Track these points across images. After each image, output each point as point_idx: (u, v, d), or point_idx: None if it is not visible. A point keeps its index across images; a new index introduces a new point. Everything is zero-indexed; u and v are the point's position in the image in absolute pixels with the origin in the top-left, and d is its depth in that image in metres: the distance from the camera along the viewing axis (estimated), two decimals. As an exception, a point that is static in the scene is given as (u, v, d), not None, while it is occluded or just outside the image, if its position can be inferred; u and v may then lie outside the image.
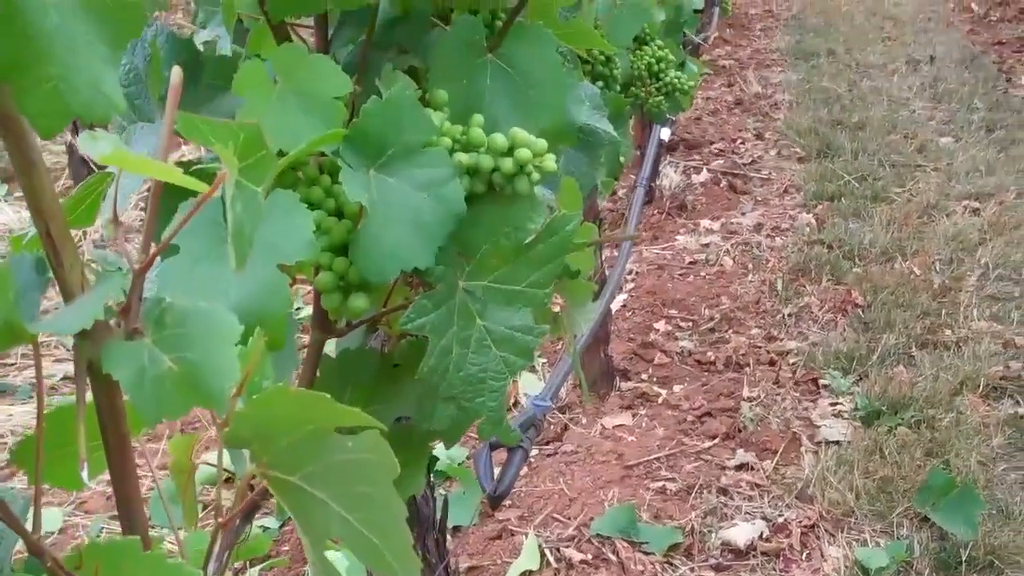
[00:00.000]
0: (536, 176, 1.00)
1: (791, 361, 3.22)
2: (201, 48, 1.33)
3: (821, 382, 3.10)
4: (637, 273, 3.88)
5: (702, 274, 3.85)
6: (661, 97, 2.55)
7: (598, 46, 1.32)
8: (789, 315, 3.50)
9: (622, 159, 2.15)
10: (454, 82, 1.14)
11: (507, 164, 0.99)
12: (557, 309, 1.34)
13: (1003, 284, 3.67)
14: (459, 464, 2.64)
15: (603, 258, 3.62)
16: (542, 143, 1.01)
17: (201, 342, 0.59)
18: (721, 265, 3.91)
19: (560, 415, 2.97)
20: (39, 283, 0.60)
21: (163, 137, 0.56)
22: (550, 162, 1.01)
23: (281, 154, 0.90)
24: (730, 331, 3.42)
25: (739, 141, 5.29)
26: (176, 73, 0.60)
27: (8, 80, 0.49)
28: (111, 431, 0.64)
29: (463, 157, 0.99)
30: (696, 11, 3.20)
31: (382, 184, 0.93)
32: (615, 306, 3.53)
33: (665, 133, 4.37)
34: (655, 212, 4.41)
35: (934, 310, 3.47)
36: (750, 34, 7.62)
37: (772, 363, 3.21)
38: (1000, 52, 6.95)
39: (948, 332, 3.34)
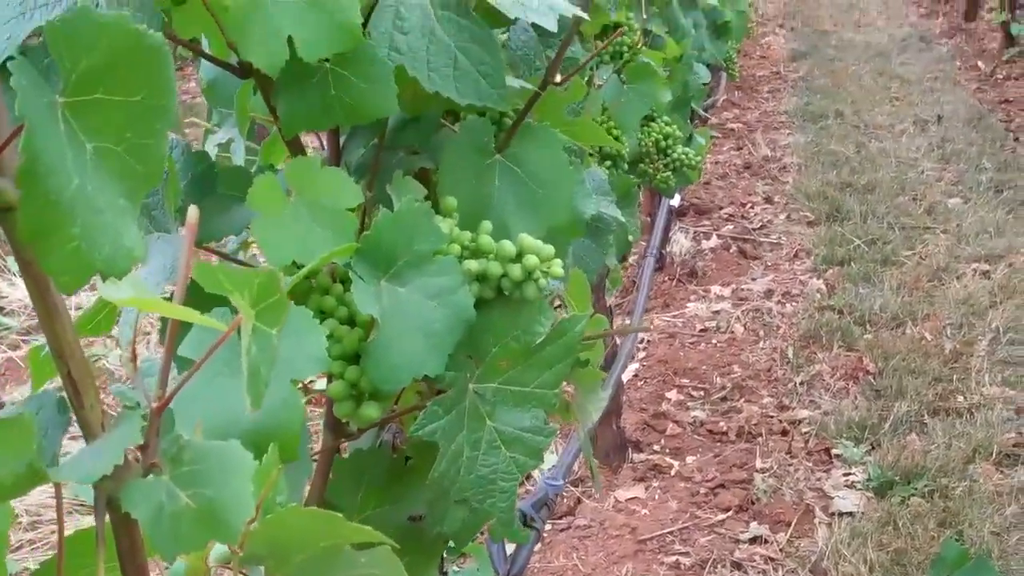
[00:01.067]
0: (544, 282, 1.01)
1: (803, 430, 3.22)
2: (216, 150, 1.36)
3: (834, 452, 3.10)
4: (648, 341, 3.89)
5: (713, 341, 3.87)
6: (669, 173, 2.58)
7: (604, 143, 1.34)
8: (801, 383, 3.51)
9: (631, 238, 2.18)
10: (463, 183, 1.16)
11: (515, 271, 1.01)
12: (567, 396, 1.36)
13: (1014, 348, 3.67)
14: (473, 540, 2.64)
15: (614, 327, 3.64)
16: (549, 249, 1.03)
17: (217, 478, 0.61)
18: (732, 332, 3.92)
19: (573, 488, 2.97)
20: (61, 423, 0.62)
21: (179, 285, 0.58)
22: (557, 268, 1.03)
23: (295, 265, 0.93)
24: (742, 400, 3.42)
25: (749, 205, 5.32)
26: (192, 213, 0.62)
27: (33, 244, 0.51)
28: (129, 562, 0.65)
29: (472, 264, 1.01)
30: (703, 84, 3.23)
31: (393, 294, 0.95)
32: (627, 376, 3.53)
33: (675, 200, 4.40)
34: (666, 279, 4.43)
35: (946, 376, 3.48)
36: (758, 96, 7.68)
37: (784, 433, 3.22)
38: (1007, 111, 6.99)
39: (960, 398, 3.35)
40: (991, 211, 4.98)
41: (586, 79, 1.74)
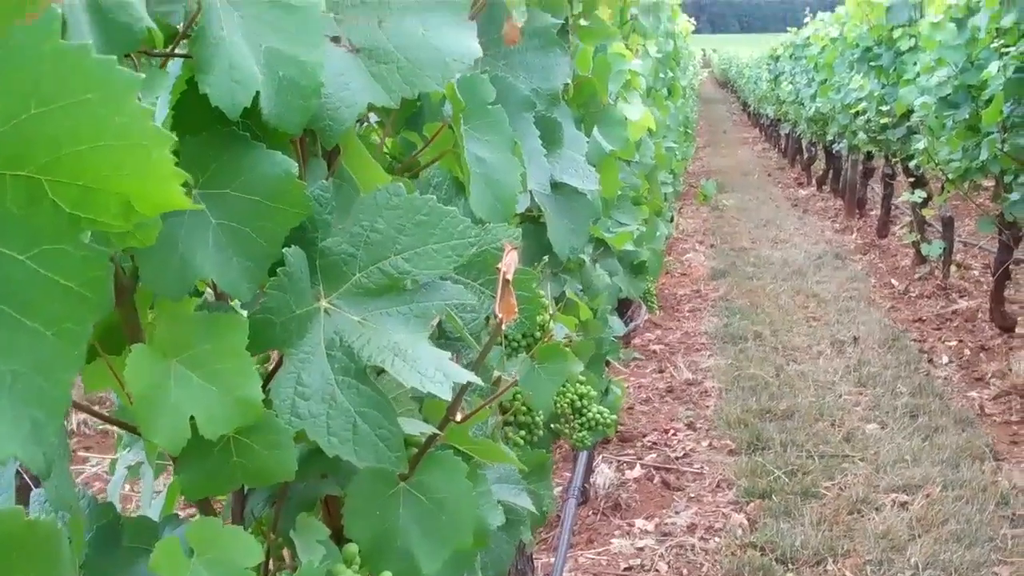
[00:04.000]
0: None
1: None
2: (125, 472, 1.38)
3: None
4: (573, 583, 3.87)
5: (637, 582, 3.86)
6: (585, 432, 2.62)
7: (505, 461, 1.38)
8: (724, 627, 3.50)
9: (545, 510, 2.20)
10: (368, 514, 1.19)
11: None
12: None
13: (934, 586, 3.70)
14: None
15: (539, 566, 3.63)
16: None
17: None
18: (656, 571, 3.91)
19: None
20: None
21: None
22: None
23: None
24: (666, 646, 3.40)
25: (671, 432, 5.38)
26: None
27: None
28: None
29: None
30: (616, 337, 3.32)
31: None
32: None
33: (597, 434, 4.44)
34: (590, 512, 4.44)
35: (867, 618, 3.49)
36: (679, 315, 7.85)
37: None
38: (921, 330, 7.20)
39: (882, 643, 3.35)
40: (907, 438, 5.08)
41: (493, 380, 1.79)
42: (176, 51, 0.89)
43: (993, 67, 5.59)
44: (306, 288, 1.00)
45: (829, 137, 12.18)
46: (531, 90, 1.88)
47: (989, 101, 5.75)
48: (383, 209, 1.04)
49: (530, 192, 1.92)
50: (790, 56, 15.87)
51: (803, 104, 13.79)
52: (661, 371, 6.47)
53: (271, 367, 1.12)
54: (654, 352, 6.87)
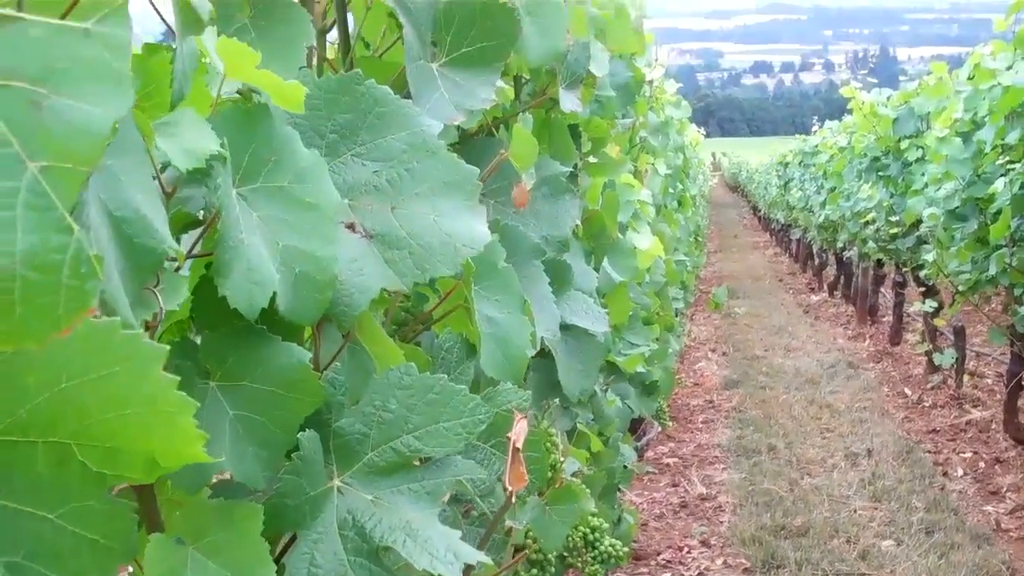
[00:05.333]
0: None
1: None
2: None
3: None
4: None
5: None
6: (597, 566, 2.62)
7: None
8: None
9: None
10: None
11: None
12: None
13: None
14: None
15: None
16: None
17: None
18: None
19: None
20: None
21: None
22: None
23: None
24: None
25: (685, 550, 5.34)
26: None
27: None
28: None
29: None
30: (625, 466, 3.33)
31: None
32: None
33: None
34: (603, 635, 4.38)
35: None
36: (692, 427, 7.83)
37: None
38: (935, 441, 7.16)
39: None
40: (923, 555, 5.03)
41: (505, 530, 1.81)
42: (194, 252, 0.93)
43: (999, 183, 5.64)
44: (320, 469, 1.02)
45: (839, 244, 12.25)
46: (541, 237, 1.92)
47: (997, 214, 5.79)
48: (395, 389, 1.07)
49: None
50: (799, 163, 16.03)
51: (813, 211, 13.89)
52: (675, 485, 6.44)
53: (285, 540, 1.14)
54: (668, 465, 6.84)
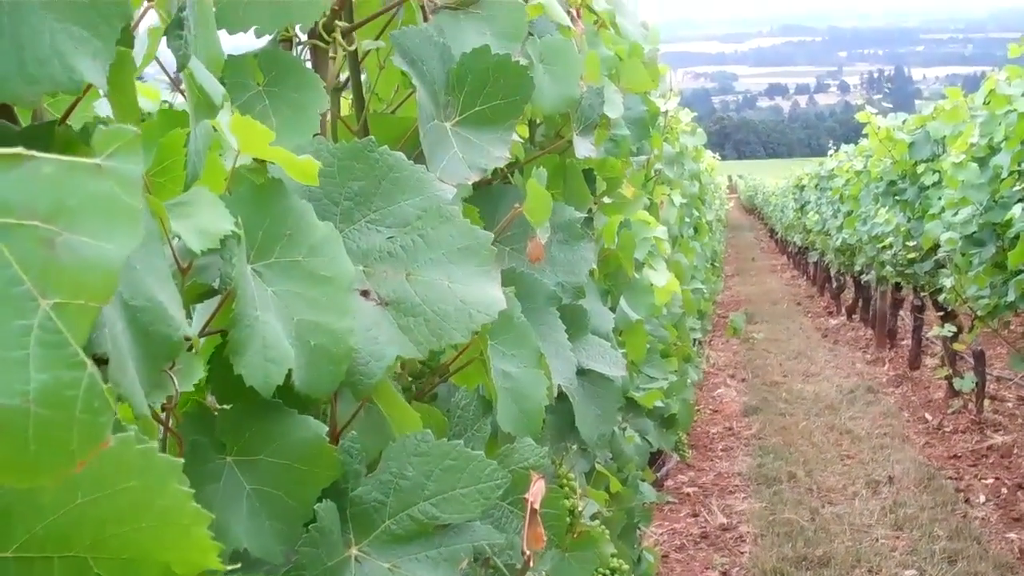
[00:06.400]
0: None
1: None
2: None
3: None
4: None
5: None
6: (618, 607, 2.61)
7: None
8: None
9: None
10: None
11: None
12: None
13: None
14: None
15: None
16: None
17: None
18: None
19: None
20: None
21: None
22: None
23: None
24: None
25: (707, 583, 5.32)
26: None
27: None
28: None
29: None
30: (645, 504, 3.32)
31: None
32: None
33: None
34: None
35: None
36: (712, 455, 7.80)
37: None
38: (957, 467, 7.12)
39: None
40: (947, 586, 5.00)
41: None
42: (209, 330, 0.93)
43: (1017, 209, 5.62)
44: (337, 539, 1.02)
45: (857, 267, 12.21)
46: (557, 284, 1.92)
47: (1015, 239, 5.77)
48: (412, 455, 1.07)
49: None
50: (815, 186, 16.01)
51: (830, 234, 13.87)
52: (695, 515, 6.42)
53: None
54: (687, 495, 6.81)
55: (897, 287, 10.84)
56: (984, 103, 6.47)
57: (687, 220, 6.66)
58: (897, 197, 9.14)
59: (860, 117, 9.44)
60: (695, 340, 6.75)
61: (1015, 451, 7.20)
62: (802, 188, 18.16)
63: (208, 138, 0.87)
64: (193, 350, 0.90)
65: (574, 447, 2.15)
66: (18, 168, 0.40)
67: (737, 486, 6.98)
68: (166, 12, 0.72)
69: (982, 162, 6.38)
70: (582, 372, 2.06)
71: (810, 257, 18.66)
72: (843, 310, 15.25)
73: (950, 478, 6.86)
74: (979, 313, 6.79)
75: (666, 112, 5.19)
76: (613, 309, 2.73)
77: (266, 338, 0.89)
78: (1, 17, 0.52)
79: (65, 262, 0.41)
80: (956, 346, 8.31)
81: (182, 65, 0.75)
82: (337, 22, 1.24)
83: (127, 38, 0.70)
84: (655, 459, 5.56)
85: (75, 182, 0.42)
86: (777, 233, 27.98)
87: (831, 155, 14.18)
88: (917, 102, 11.52)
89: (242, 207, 0.91)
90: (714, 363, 11.37)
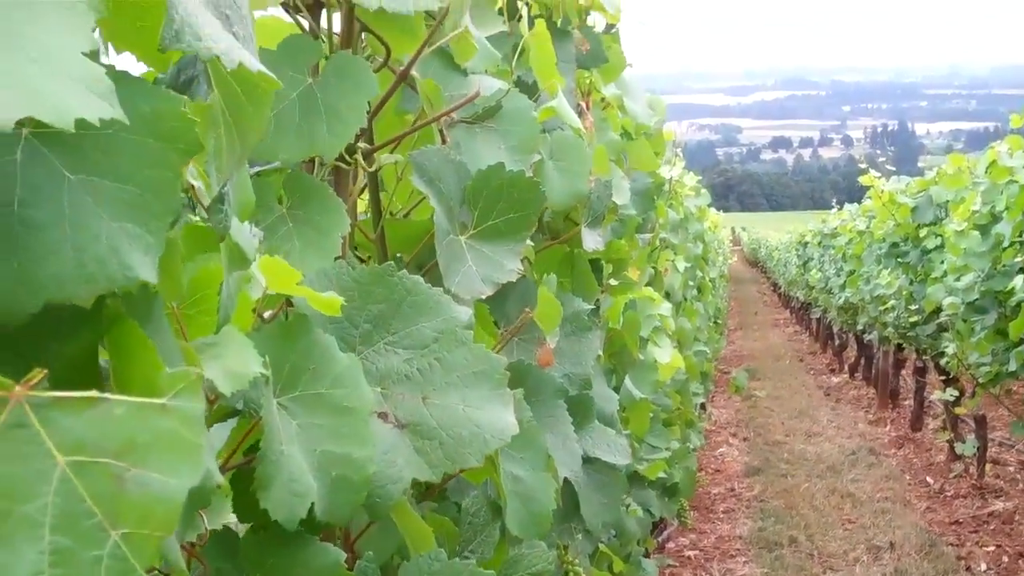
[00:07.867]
0: None
1: None
2: None
3: None
4: None
5: None
6: None
7: None
8: None
9: None
10: None
11: None
12: None
13: None
14: None
15: None
16: None
17: None
18: None
19: None
20: None
21: None
22: None
23: None
24: None
25: (707, 650, 5.31)
26: None
27: None
28: None
29: None
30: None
31: None
32: None
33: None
34: None
35: None
36: (713, 516, 7.80)
37: None
38: (958, 533, 7.11)
39: None
40: (948, 658, 4.99)
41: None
42: (232, 464, 0.97)
43: (1018, 280, 5.67)
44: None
45: (859, 326, 12.24)
46: (564, 375, 1.95)
47: (1017, 308, 5.81)
48: (425, 575, 1.11)
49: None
50: (818, 243, 16.08)
51: (832, 292, 13.91)
52: (696, 580, 6.41)
53: None
54: (688, 559, 6.80)
55: (899, 347, 10.86)
56: (986, 172, 6.53)
57: (691, 283, 6.71)
58: (900, 259, 9.20)
59: (863, 181, 9.52)
60: (697, 405, 6.77)
61: (1016, 518, 7.19)
62: (805, 244, 18.24)
63: (240, 284, 0.92)
64: (220, 485, 0.94)
65: (579, 536, 2.18)
66: (92, 409, 0.44)
67: (738, 550, 6.97)
68: (206, 186, 0.77)
69: (984, 230, 6.44)
70: (588, 460, 2.09)
71: (813, 313, 18.70)
72: (845, 368, 15.25)
73: (951, 544, 6.85)
74: (981, 380, 6.82)
75: (671, 179, 5.25)
76: (617, 388, 2.77)
77: (291, 472, 0.92)
78: (63, 224, 0.57)
79: (133, 496, 0.45)
80: (958, 410, 8.33)
81: (222, 236, 0.79)
82: (359, 144, 1.29)
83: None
84: (656, 525, 5.57)
85: (143, 421, 0.46)
86: (780, 287, 28.04)
87: (834, 213, 14.26)
88: (921, 159, 11.58)
89: (270, 344, 0.95)
90: (716, 420, 11.37)
